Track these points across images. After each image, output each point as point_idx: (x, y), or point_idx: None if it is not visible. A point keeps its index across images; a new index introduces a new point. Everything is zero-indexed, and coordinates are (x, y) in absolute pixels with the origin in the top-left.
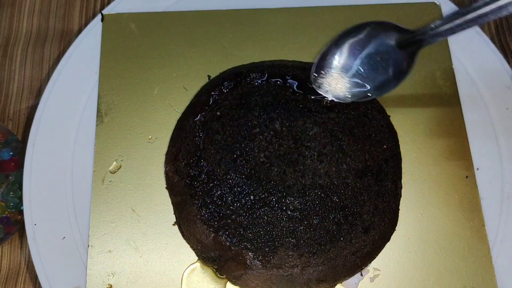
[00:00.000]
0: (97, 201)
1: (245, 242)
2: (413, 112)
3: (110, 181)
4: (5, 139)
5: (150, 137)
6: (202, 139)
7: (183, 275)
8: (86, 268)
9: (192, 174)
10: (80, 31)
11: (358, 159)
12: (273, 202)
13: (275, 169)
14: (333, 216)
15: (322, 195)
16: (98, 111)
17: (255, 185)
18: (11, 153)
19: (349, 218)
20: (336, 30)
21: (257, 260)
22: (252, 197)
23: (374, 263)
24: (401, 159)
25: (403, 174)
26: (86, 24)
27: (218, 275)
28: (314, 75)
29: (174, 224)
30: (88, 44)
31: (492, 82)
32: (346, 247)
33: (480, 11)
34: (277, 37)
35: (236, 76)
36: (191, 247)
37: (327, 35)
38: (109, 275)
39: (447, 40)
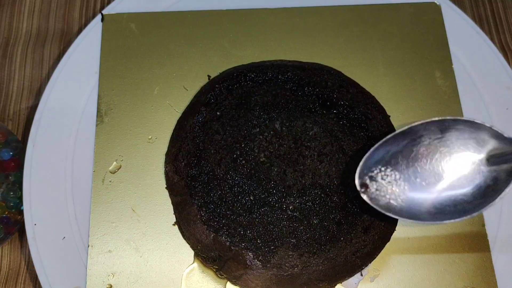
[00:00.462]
0: (97, 201)
1: (245, 242)
2: (413, 112)
3: (110, 181)
4: (5, 139)
5: (150, 137)
6: (202, 139)
7: (183, 275)
8: (86, 268)
9: (192, 174)
10: (80, 31)
11: (358, 159)
12: (273, 202)
13: (275, 169)
14: (333, 216)
15: (322, 195)
16: (98, 111)
17: (255, 185)
18: (11, 153)
19: (349, 218)
20: (336, 30)
21: (257, 260)
22: (252, 197)
23: (374, 263)
24: None
25: None
26: (86, 24)
27: (218, 275)
28: (361, 176)
29: (174, 224)
30: (88, 44)
31: (492, 82)
32: (346, 247)
33: None
34: (277, 37)
35: (236, 76)
36: (191, 247)
37: (327, 35)
38: (109, 275)
39: (447, 40)
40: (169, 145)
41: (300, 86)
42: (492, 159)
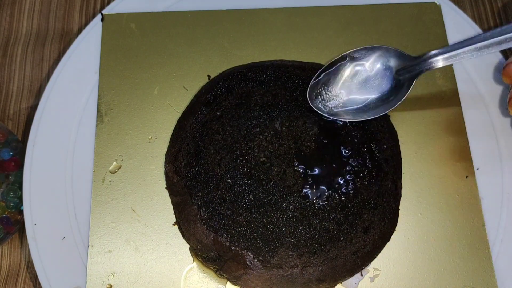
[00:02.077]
0: (97, 201)
1: (245, 242)
2: (413, 112)
3: (110, 181)
4: (5, 139)
5: (150, 137)
6: (202, 139)
7: (182, 275)
8: (86, 268)
9: (192, 174)
10: (80, 31)
11: (358, 159)
12: (273, 202)
13: (275, 169)
14: (333, 216)
15: (322, 195)
16: (98, 111)
17: (255, 185)
18: (11, 153)
19: (349, 218)
20: (336, 30)
21: (257, 260)
22: (252, 197)
23: (374, 263)
24: (401, 159)
25: (403, 174)
26: (86, 24)
27: (218, 275)
28: (310, 93)
29: (174, 224)
30: (88, 44)
31: (492, 82)
32: (346, 247)
33: (478, 44)
34: (277, 37)
35: (236, 76)
36: (191, 247)
37: (327, 35)
38: (109, 275)
39: (447, 40)
40: (169, 145)
41: (300, 86)
42: (399, 72)
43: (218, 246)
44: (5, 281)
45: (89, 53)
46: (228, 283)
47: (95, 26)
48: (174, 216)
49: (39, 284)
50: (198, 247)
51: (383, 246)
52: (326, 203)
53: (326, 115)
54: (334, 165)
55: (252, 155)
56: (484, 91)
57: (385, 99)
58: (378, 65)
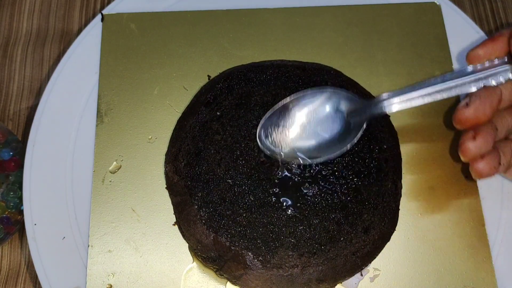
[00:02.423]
0: (97, 201)
1: (245, 242)
2: (413, 112)
3: (110, 181)
4: (5, 139)
5: (150, 137)
6: (202, 139)
7: (183, 275)
8: (86, 268)
9: (192, 174)
10: (80, 31)
11: (358, 159)
12: (273, 202)
13: (275, 169)
14: (333, 216)
15: (322, 195)
16: (98, 111)
17: (254, 185)
18: (11, 153)
19: (349, 218)
20: (336, 30)
21: (257, 260)
22: (252, 197)
23: (374, 263)
24: (401, 159)
25: (403, 174)
26: (86, 24)
27: (218, 275)
28: (261, 133)
29: (174, 224)
30: (88, 44)
31: None
32: (346, 247)
33: (429, 89)
34: (277, 37)
35: (236, 76)
36: (191, 247)
37: (327, 35)
38: (109, 275)
39: (446, 41)
40: (169, 145)
41: (300, 87)
42: (350, 115)
43: (218, 246)
44: (5, 281)
45: (89, 53)
46: (228, 283)
47: (95, 26)
48: (174, 216)
49: (39, 284)
50: (198, 247)
51: (383, 246)
52: (326, 203)
53: (278, 157)
54: (334, 165)
55: (252, 155)
56: None
57: (337, 141)
58: (328, 108)
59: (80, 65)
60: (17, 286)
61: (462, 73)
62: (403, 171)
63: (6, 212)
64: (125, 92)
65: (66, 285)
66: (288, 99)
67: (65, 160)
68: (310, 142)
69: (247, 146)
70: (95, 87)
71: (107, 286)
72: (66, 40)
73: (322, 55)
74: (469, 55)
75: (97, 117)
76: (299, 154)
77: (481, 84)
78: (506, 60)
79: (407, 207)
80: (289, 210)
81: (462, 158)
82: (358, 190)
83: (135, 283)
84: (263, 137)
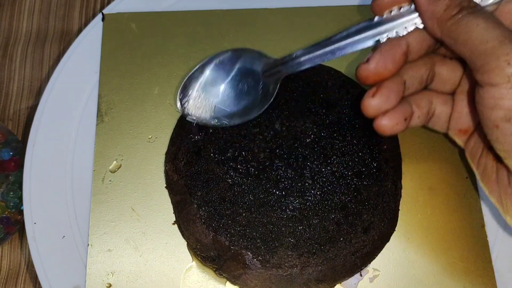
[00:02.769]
0: (97, 200)
1: (244, 241)
2: None
3: (110, 181)
4: (5, 139)
5: (150, 136)
6: (202, 138)
7: (182, 274)
8: (86, 267)
9: (191, 173)
10: (80, 31)
11: (357, 159)
12: (273, 202)
13: (275, 169)
14: (333, 216)
15: (322, 195)
16: (99, 110)
17: (254, 184)
18: (11, 153)
19: (349, 218)
20: (337, 31)
21: (256, 260)
22: (251, 196)
23: (373, 264)
24: (401, 159)
25: (403, 175)
26: (86, 24)
27: (217, 274)
28: (180, 100)
29: (173, 224)
30: (88, 44)
31: None
32: (346, 247)
33: (338, 44)
34: (278, 37)
35: None
36: (191, 246)
37: (328, 36)
38: (108, 274)
39: None
40: (169, 144)
41: (300, 86)
42: (265, 73)
43: (217, 245)
44: (5, 281)
45: (90, 53)
46: (228, 283)
47: (95, 26)
48: (174, 215)
49: (39, 284)
50: (198, 247)
51: (383, 246)
52: (325, 203)
53: (200, 121)
54: (334, 165)
55: (252, 155)
56: None
57: (256, 101)
58: (242, 68)
59: (81, 64)
60: (17, 286)
61: (368, 26)
62: (403, 171)
63: (6, 212)
64: (126, 91)
65: (66, 284)
66: (203, 61)
67: (65, 159)
68: (232, 107)
69: (246, 146)
70: (95, 87)
71: (106, 285)
72: (66, 40)
73: None
74: (374, 4)
75: (97, 116)
76: (215, 119)
77: (385, 35)
78: (412, 8)
79: (407, 208)
80: (289, 210)
81: (365, 115)
82: (358, 190)
83: (135, 282)
84: (184, 102)
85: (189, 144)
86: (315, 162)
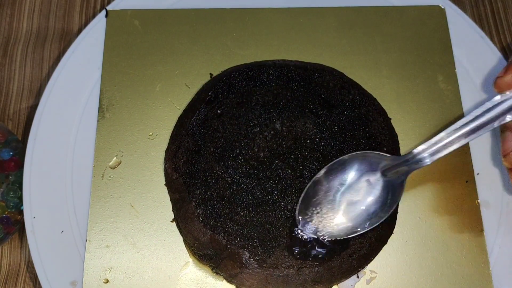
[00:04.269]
0: (96, 196)
1: (241, 241)
2: (414, 116)
3: (109, 177)
4: (5, 139)
5: (150, 133)
6: (202, 137)
7: (179, 271)
8: (84, 263)
9: (191, 171)
10: (80, 31)
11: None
12: (271, 202)
13: (274, 169)
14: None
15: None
16: (100, 106)
17: (253, 184)
18: (11, 153)
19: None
20: (339, 32)
21: (253, 260)
22: (250, 196)
23: (371, 266)
24: None
25: None
26: (86, 24)
27: (214, 273)
28: (299, 218)
29: (172, 221)
30: (91, 40)
31: None
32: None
33: (460, 132)
34: (280, 37)
35: (238, 74)
36: (188, 244)
37: (330, 36)
38: (106, 270)
39: (450, 44)
40: (169, 142)
41: (301, 87)
42: (385, 173)
43: (214, 244)
44: (5, 281)
45: (93, 49)
46: (225, 281)
47: (99, 22)
48: (172, 213)
49: (39, 284)
50: (195, 245)
51: (380, 248)
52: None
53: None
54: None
55: (252, 154)
56: (486, 95)
57: (383, 203)
58: (361, 176)
59: (83, 60)
60: (17, 286)
61: (493, 104)
62: None
63: (6, 212)
64: (127, 88)
65: (63, 279)
66: (314, 179)
67: (65, 154)
68: (349, 218)
69: (246, 145)
70: (97, 82)
71: (103, 280)
72: (66, 40)
73: (324, 56)
74: (498, 83)
75: (98, 112)
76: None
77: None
78: None
79: (405, 211)
80: (287, 211)
81: (497, 91)
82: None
83: (132, 279)
84: (304, 224)
85: (189, 142)
86: (315, 163)
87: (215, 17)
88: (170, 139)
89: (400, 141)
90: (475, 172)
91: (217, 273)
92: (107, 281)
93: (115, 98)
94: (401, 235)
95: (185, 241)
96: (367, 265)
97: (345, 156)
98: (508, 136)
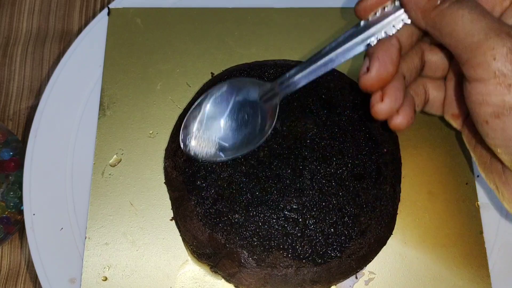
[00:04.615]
0: (96, 193)
1: (240, 240)
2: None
3: (109, 174)
4: (5, 139)
5: (151, 132)
6: None
7: (178, 270)
8: (83, 260)
9: (190, 170)
10: (80, 31)
11: (357, 161)
12: (270, 202)
13: (274, 169)
14: (330, 217)
15: (320, 196)
16: (101, 104)
17: (252, 183)
18: (11, 153)
19: (346, 220)
20: (341, 32)
21: (252, 259)
22: (249, 195)
23: (369, 267)
24: (401, 163)
25: (402, 178)
26: (86, 24)
27: (213, 271)
28: (183, 140)
29: (171, 219)
30: (93, 38)
31: None
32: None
33: (329, 56)
34: (281, 36)
35: (238, 74)
36: (187, 243)
37: (332, 36)
38: (104, 268)
39: None
40: (169, 140)
41: (302, 87)
42: (263, 99)
43: (213, 243)
44: (5, 281)
45: (94, 47)
46: (223, 280)
47: (101, 20)
48: (172, 211)
49: (39, 284)
50: (194, 243)
51: (379, 249)
52: (323, 205)
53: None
54: (333, 167)
55: (251, 153)
56: None
57: (258, 128)
58: (240, 99)
59: (85, 58)
60: (17, 286)
61: (356, 31)
62: (402, 175)
63: (6, 212)
64: (128, 86)
65: (62, 276)
66: (200, 98)
67: (65, 151)
68: (235, 139)
69: None
70: (98, 80)
71: (102, 278)
72: (66, 40)
73: None
74: (358, 9)
75: (99, 110)
76: (220, 153)
77: (375, 38)
78: (397, 5)
79: (405, 212)
80: (286, 210)
81: (378, 119)
82: (356, 193)
83: (130, 277)
84: (186, 141)
85: None
86: (315, 163)
87: (216, 16)
88: (170, 137)
89: (400, 142)
90: (475, 174)
91: (216, 272)
92: (106, 279)
93: (116, 96)
94: (400, 236)
95: (184, 240)
96: (365, 266)
97: (226, 84)
98: (366, 61)
